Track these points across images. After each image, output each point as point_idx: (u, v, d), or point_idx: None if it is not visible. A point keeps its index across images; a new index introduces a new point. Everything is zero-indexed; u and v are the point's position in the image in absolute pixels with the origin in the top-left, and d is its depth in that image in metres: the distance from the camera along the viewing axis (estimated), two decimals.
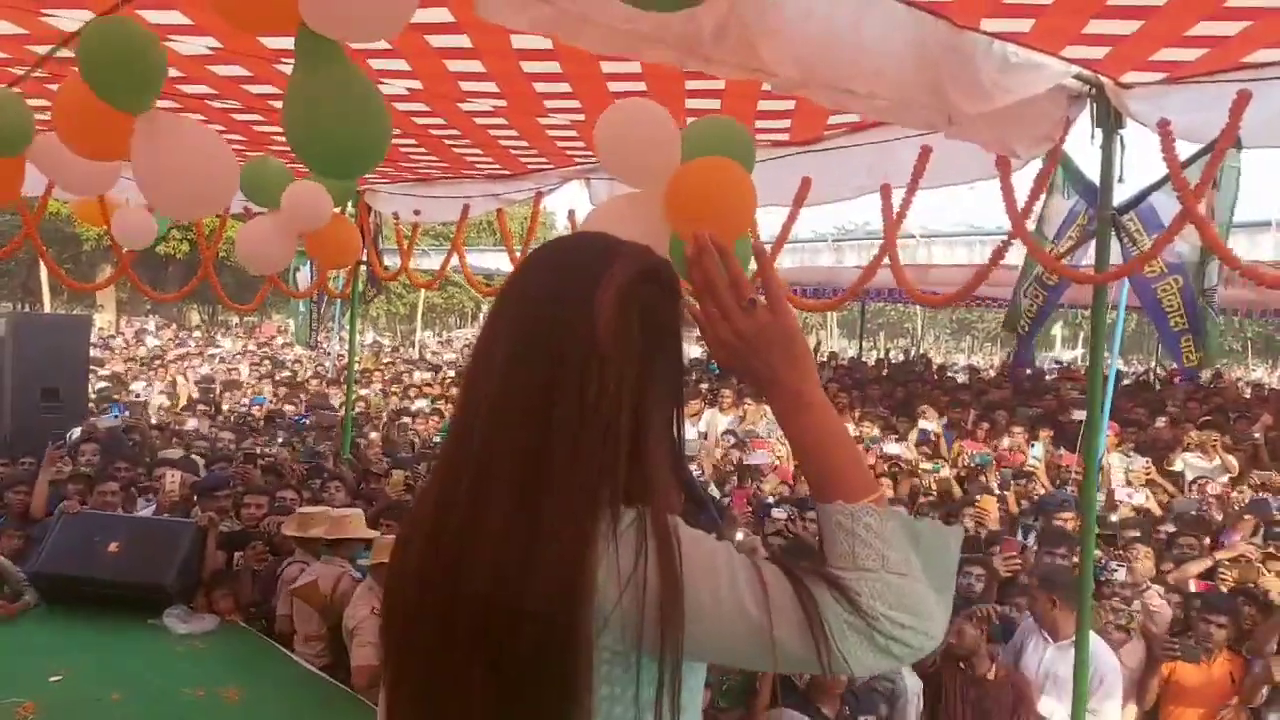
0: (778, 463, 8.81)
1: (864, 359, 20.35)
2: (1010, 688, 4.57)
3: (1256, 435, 9.36)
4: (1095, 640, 4.76)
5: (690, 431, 11.07)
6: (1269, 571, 5.56)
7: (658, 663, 1.19)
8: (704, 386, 13.50)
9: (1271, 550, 5.70)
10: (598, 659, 1.19)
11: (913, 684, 4.54)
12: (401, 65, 4.12)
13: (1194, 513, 7.10)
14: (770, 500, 7.07)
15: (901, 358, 21.45)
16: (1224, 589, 5.45)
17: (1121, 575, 5.29)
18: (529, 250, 5.18)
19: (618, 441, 1.23)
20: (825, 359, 18.67)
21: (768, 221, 5.22)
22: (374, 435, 9.23)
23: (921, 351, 33.57)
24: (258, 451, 8.36)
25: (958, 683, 4.60)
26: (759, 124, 4.87)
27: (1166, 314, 4.32)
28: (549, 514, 1.20)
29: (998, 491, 7.30)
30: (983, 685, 4.55)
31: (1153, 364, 22.67)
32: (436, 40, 3.77)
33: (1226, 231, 4.05)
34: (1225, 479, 8.17)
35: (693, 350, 27.52)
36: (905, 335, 57.28)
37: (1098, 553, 5.41)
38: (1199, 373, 4.55)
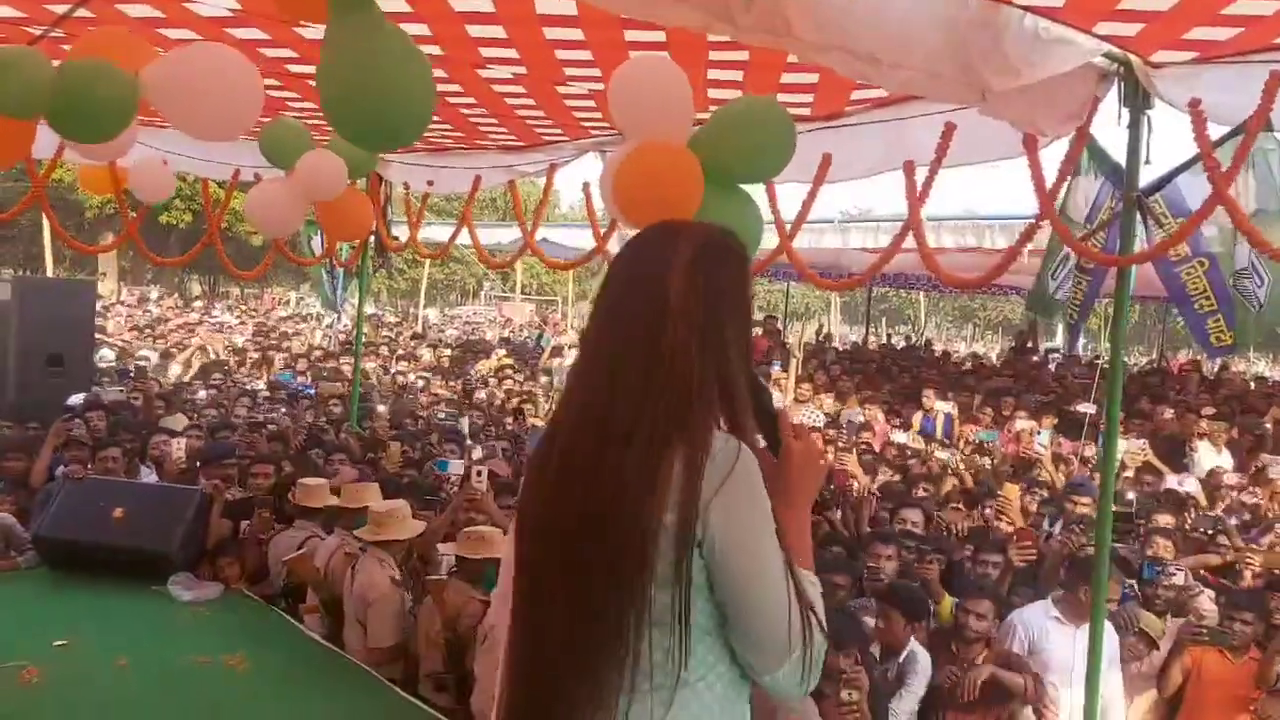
0: None
1: (867, 344, 20.31)
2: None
3: (1267, 425, 9.35)
4: (1106, 621, 4.80)
5: None
6: None
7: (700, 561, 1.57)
8: None
9: None
10: (691, 550, 1.54)
11: (924, 657, 4.53)
12: (423, 30, 4.05)
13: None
14: None
15: (903, 344, 21.38)
16: (1249, 574, 5.41)
17: (1180, 579, 5.25)
18: (539, 224, 5.12)
19: (693, 382, 1.59)
20: (822, 340, 18.62)
21: (786, 198, 5.19)
22: (381, 408, 9.19)
23: (924, 338, 33.53)
24: (261, 419, 8.33)
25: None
26: (781, 97, 4.79)
27: (1191, 297, 4.27)
28: (628, 433, 1.57)
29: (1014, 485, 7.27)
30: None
31: (1154, 355, 22.62)
32: (459, 4, 3.71)
33: (1274, 217, 4.00)
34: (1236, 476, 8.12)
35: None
36: (907, 321, 57.20)
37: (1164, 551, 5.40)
38: (1231, 353, 4.53)
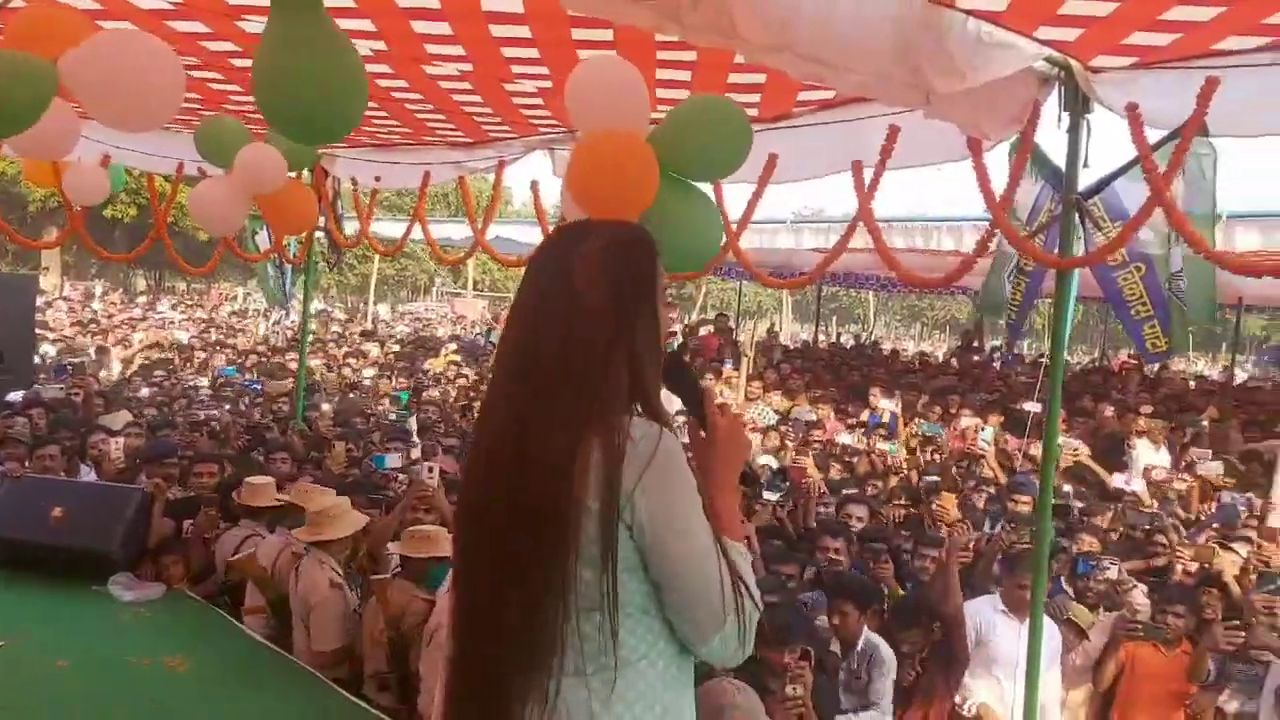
0: None
1: (817, 343, 20.46)
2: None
3: (1204, 422, 9.57)
4: (1047, 617, 4.87)
5: None
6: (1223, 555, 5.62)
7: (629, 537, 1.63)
8: None
9: (1223, 541, 5.78)
10: (620, 530, 1.61)
11: (883, 646, 4.58)
12: (367, 25, 4.01)
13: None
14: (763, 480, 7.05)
15: (852, 342, 21.58)
16: (1180, 570, 5.52)
17: (1114, 573, 5.34)
18: (490, 221, 5.11)
19: (605, 371, 1.67)
20: (771, 338, 18.72)
21: (733, 198, 5.21)
22: (326, 406, 9.07)
23: (873, 337, 33.82)
24: (203, 417, 8.20)
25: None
26: (729, 97, 4.81)
27: (1128, 303, 4.35)
28: (546, 425, 1.64)
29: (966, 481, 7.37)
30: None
31: (1097, 354, 23.03)
32: (403, 0, 3.68)
33: (1210, 222, 4.08)
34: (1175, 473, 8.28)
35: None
36: (857, 320, 57.71)
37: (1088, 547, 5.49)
38: (1166, 358, 4.62)
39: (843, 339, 25.25)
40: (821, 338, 23.98)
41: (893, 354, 17.64)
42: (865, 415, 10.94)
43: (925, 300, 51.23)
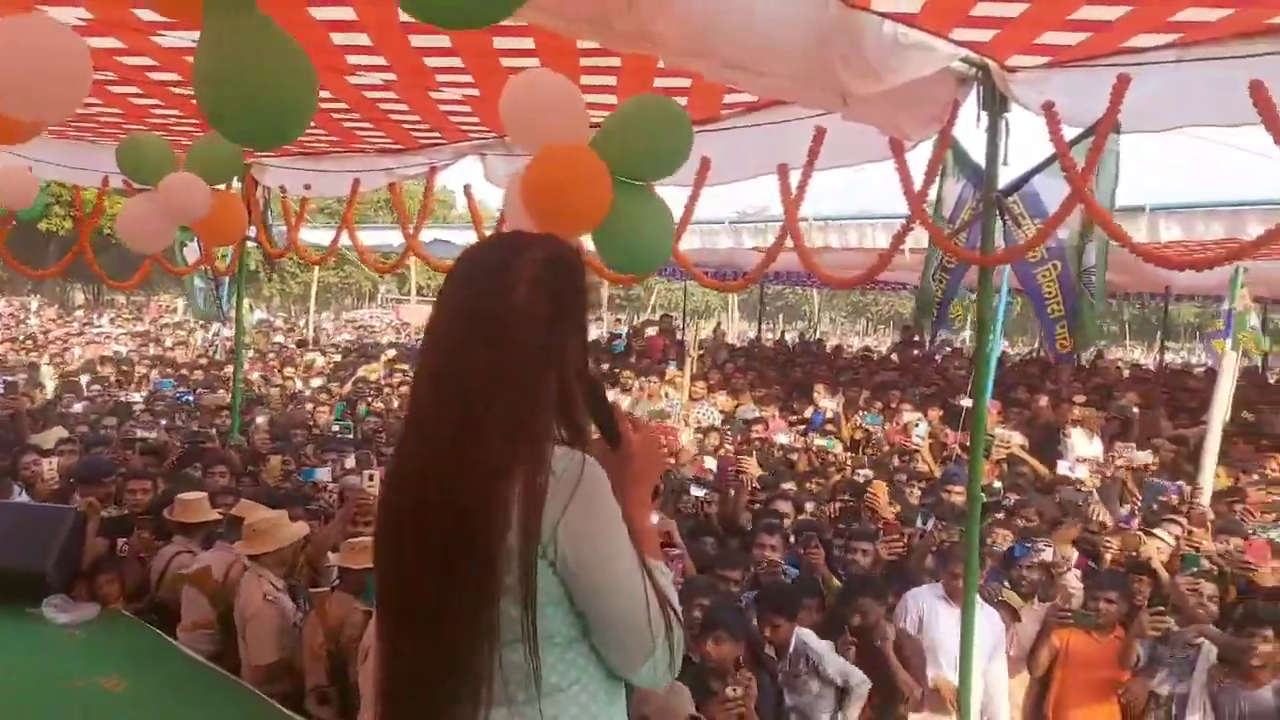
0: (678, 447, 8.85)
1: (762, 341, 20.59)
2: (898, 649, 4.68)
3: (1134, 410, 9.77)
4: (989, 607, 4.97)
5: None
6: (1148, 542, 5.74)
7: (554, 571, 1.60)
8: (604, 367, 13.48)
9: (1146, 529, 5.90)
10: (541, 566, 1.57)
11: (815, 640, 4.61)
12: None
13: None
14: (690, 478, 7.09)
15: (797, 339, 21.76)
16: (1108, 557, 5.62)
17: (1048, 555, 5.43)
18: (422, 227, 5.07)
19: (537, 399, 1.62)
20: (717, 337, 18.81)
21: (670, 201, 5.23)
22: (260, 420, 8.95)
23: (818, 334, 34.10)
24: (137, 435, 8.06)
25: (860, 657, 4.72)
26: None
27: (1045, 301, 4.44)
28: (475, 455, 1.57)
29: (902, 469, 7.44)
30: (878, 655, 4.65)
31: (1037, 345, 23.42)
32: (320, 13, 3.65)
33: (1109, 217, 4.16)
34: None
35: (591, 331, 27.49)
36: (803, 318, 58.13)
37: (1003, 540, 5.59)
38: (1074, 356, 4.73)
39: (787, 336, 25.39)
40: (769, 336, 24.12)
41: (836, 350, 17.79)
42: (809, 412, 11.03)
43: (869, 296, 51.73)
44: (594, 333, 26.02)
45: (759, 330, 23.20)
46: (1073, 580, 5.31)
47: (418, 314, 35.32)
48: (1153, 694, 4.73)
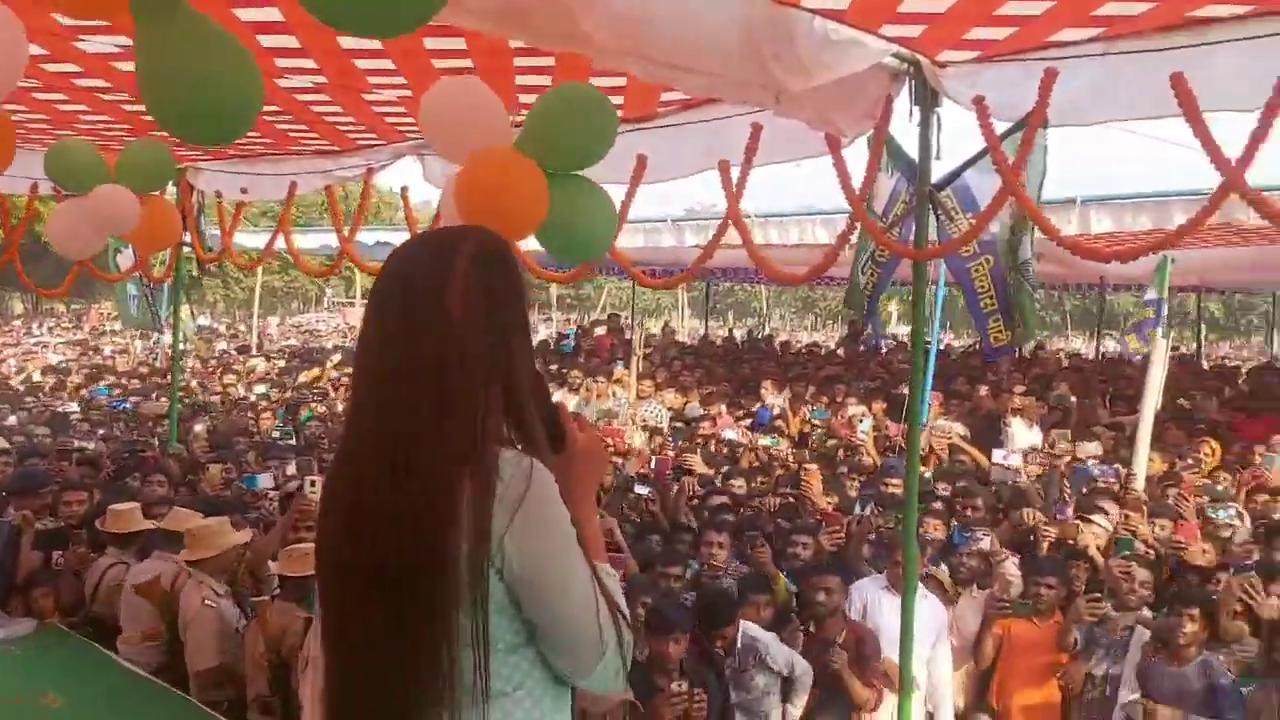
0: (628, 446, 8.86)
1: (711, 338, 20.66)
2: (857, 641, 4.73)
3: (1071, 399, 9.96)
4: (931, 596, 5.04)
5: None
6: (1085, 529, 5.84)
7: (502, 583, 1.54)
8: (553, 367, 13.45)
9: (1084, 515, 6.00)
10: (490, 577, 1.52)
11: (767, 635, 4.63)
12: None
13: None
14: (634, 476, 7.10)
15: (745, 336, 21.85)
16: (1045, 545, 5.71)
17: (986, 544, 5.49)
18: (358, 229, 5.01)
19: (480, 400, 1.56)
20: (664, 335, 18.83)
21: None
22: (199, 427, 8.79)
23: (768, 330, 34.31)
24: (74, 445, 7.90)
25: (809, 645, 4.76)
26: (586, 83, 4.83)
27: (978, 295, 4.48)
28: (423, 462, 1.52)
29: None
30: (829, 647, 4.69)
31: (978, 338, 23.71)
32: (246, 14, 3.60)
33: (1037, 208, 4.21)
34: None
35: (539, 331, 27.48)
36: (753, 314, 58.41)
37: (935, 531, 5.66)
38: (1010, 350, 4.81)
39: (737, 333, 25.51)
40: (720, 332, 24.23)
41: (783, 346, 17.90)
42: (756, 408, 11.08)
43: (818, 291, 52.14)
44: (544, 333, 25.96)
45: (705, 327, 23.28)
46: (1011, 568, 5.39)
47: None
48: (1089, 675, 4.82)
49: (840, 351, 15.93)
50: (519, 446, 1.63)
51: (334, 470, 1.69)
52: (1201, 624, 4.45)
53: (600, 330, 16.69)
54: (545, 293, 38.82)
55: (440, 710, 1.52)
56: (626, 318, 19.21)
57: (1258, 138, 3.27)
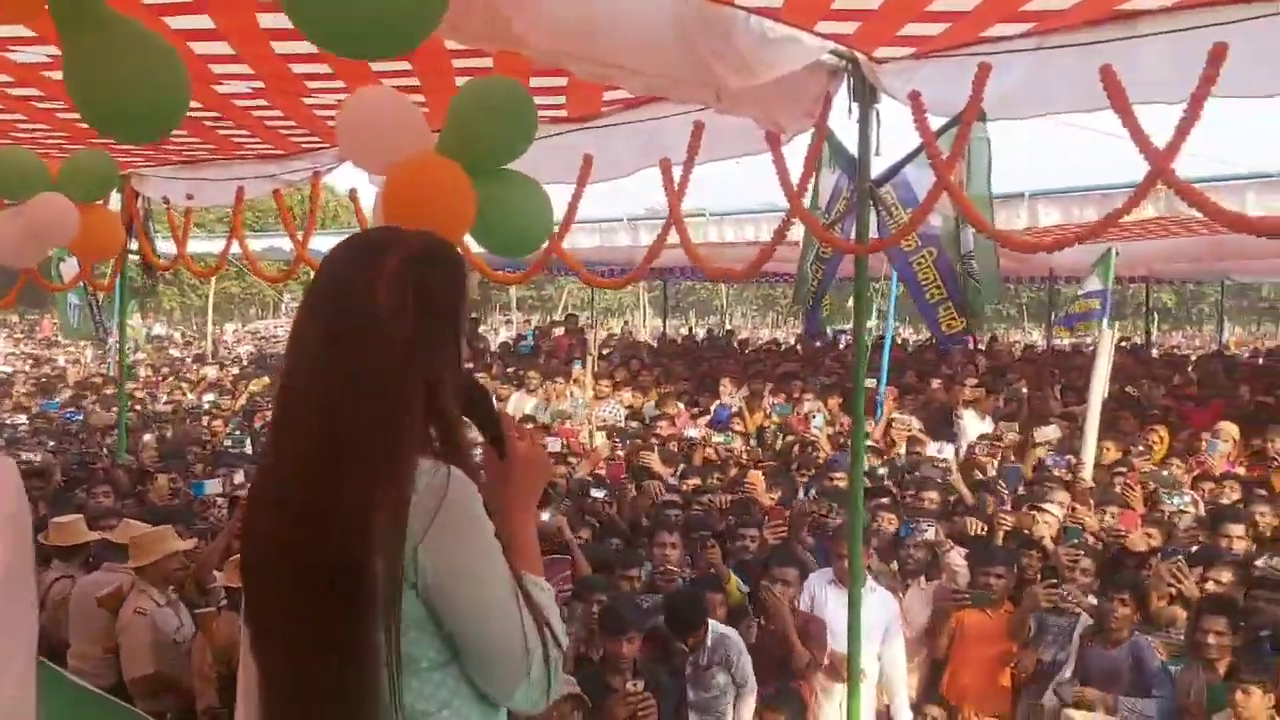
0: (583, 446, 8.85)
1: (672, 337, 20.71)
2: (803, 627, 4.76)
3: (1023, 391, 10.08)
4: (880, 589, 5.08)
5: None
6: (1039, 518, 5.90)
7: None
8: (510, 369, 13.40)
9: (1037, 504, 6.08)
10: (405, 590, 1.49)
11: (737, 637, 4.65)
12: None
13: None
14: (589, 479, 7.09)
15: (704, 334, 21.92)
16: (1001, 535, 5.78)
17: (930, 535, 5.55)
18: (311, 232, 4.96)
19: (402, 408, 1.53)
20: (624, 334, 18.84)
21: (553, 199, 5.22)
22: (148, 437, 8.67)
23: (728, 328, 34.34)
24: (21, 457, 7.77)
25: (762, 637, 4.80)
26: (535, 99, 4.79)
27: (922, 286, 4.52)
28: (347, 468, 1.48)
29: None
30: (777, 637, 4.72)
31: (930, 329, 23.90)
32: (176, 22, 3.55)
33: (988, 203, 4.27)
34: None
35: (500, 333, 27.40)
36: (715, 312, 58.56)
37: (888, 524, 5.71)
38: (964, 338, 4.84)
39: (699, 331, 25.58)
40: (681, 331, 24.29)
41: (742, 344, 17.96)
42: (714, 406, 11.09)
43: (779, 289, 52.38)
44: (504, 334, 25.88)
45: (664, 326, 23.33)
46: (956, 558, 5.45)
47: None
48: (1038, 660, 4.89)
49: (799, 348, 16.00)
50: (441, 453, 1.59)
51: (257, 478, 1.69)
52: (1133, 608, 4.55)
53: (559, 331, 16.65)
54: (505, 294, 38.67)
55: None
56: (587, 318, 19.22)
57: (1184, 129, 3.33)
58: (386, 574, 1.46)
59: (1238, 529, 5.39)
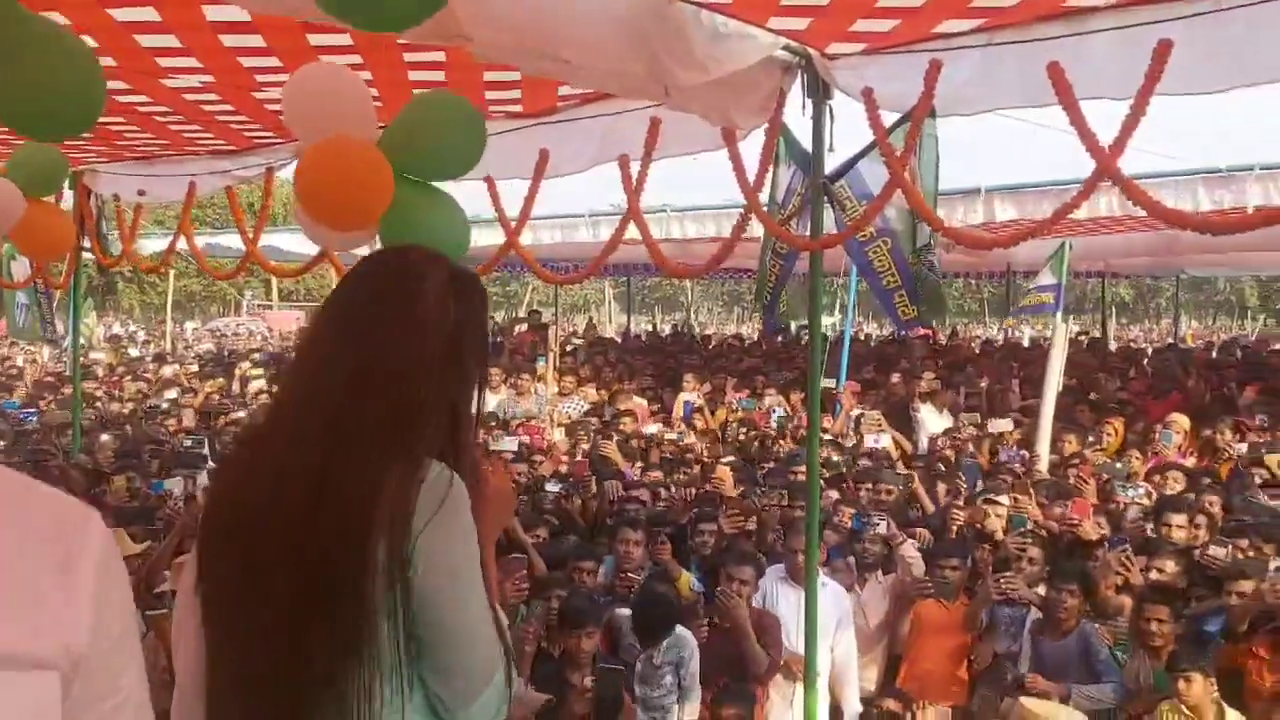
0: (545, 444, 8.81)
1: (637, 333, 20.71)
2: (757, 623, 4.77)
3: (981, 383, 10.17)
4: (834, 583, 5.10)
5: None
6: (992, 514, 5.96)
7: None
8: None
9: (989, 496, 6.13)
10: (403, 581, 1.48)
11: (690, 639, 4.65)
12: (89, 42, 3.78)
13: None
14: (545, 477, 7.06)
15: (669, 331, 21.96)
16: (954, 529, 5.83)
17: (882, 529, 5.58)
18: (262, 229, 4.86)
19: (430, 407, 1.58)
20: (588, 330, 18.81)
21: (512, 194, 5.21)
22: (105, 437, 8.54)
23: (693, 324, 34.49)
24: None
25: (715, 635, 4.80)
26: (489, 94, 4.80)
27: (879, 273, 4.54)
28: (359, 450, 1.51)
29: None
30: (730, 635, 4.72)
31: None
32: (121, 14, 3.51)
33: (933, 197, 4.29)
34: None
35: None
36: (680, 308, 58.64)
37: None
38: (916, 327, 4.87)
39: (665, 328, 25.61)
40: (646, 327, 24.30)
41: (704, 339, 17.99)
42: (679, 404, 11.10)
43: (744, 285, 52.54)
44: None
45: (628, 322, 23.33)
46: (909, 550, 5.49)
47: (285, 320, 34.35)
48: (994, 653, 4.94)
49: (763, 344, 16.05)
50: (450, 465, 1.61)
51: (241, 445, 1.71)
52: (1080, 598, 4.60)
53: (522, 328, 16.59)
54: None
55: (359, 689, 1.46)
56: (551, 314, 19.17)
57: (1129, 125, 3.37)
58: (390, 557, 1.47)
59: (1179, 518, 5.46)
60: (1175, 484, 6.50)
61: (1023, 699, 4.29)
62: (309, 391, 1.60)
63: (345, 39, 3.75)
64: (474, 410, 1.70)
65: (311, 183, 3.02)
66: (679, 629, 4.63)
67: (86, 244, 7.27)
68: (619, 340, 18.66)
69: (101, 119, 5.22)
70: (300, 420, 1.57)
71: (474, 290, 1.73)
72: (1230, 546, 4.89)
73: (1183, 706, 3.98)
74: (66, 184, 7.17)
